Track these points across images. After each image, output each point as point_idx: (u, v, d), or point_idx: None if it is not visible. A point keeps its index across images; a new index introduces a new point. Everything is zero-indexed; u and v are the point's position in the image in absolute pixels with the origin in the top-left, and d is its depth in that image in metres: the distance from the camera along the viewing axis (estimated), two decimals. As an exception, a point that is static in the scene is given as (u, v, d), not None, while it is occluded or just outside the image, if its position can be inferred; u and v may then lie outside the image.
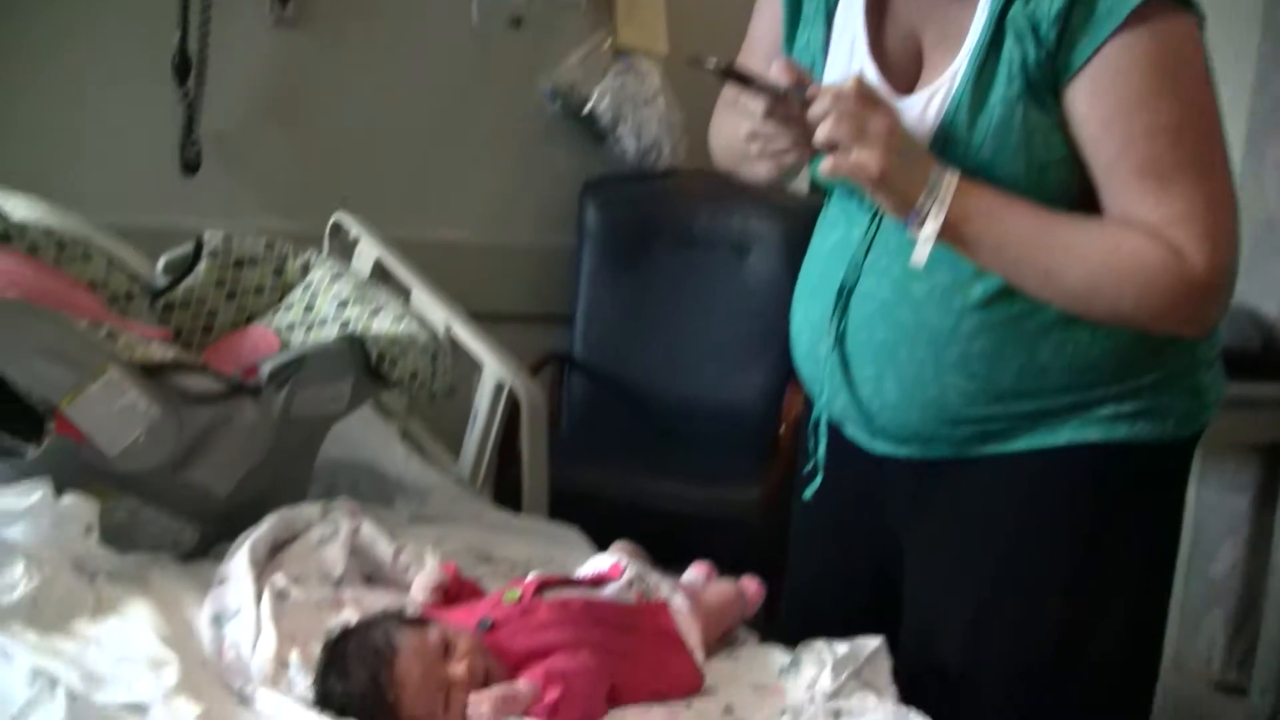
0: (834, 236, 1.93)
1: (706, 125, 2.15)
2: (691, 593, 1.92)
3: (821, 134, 1.65)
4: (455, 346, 2.81)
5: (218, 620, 1.79)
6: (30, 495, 1.81)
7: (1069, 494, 1.86)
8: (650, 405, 4.16)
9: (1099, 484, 1.85)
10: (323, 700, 1.63)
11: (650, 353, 4.17)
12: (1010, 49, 1.68)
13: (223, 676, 1.69)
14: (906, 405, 1.85)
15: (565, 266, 4.26)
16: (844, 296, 1.87)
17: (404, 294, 2.80)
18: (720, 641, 1.95)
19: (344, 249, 3.27)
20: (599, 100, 4.16)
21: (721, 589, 2.01)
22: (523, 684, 1.62)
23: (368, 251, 3.17)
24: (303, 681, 1.68)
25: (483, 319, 2.90)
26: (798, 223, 4.05)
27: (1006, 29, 1.68)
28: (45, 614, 1.70)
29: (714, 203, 4.17)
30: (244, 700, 1.64)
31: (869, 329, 1.85)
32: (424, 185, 4.10)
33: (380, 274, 3.05)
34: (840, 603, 2.11)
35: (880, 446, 1.94)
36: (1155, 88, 1.65)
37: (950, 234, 1.68)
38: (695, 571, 2.03)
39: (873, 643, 1.90)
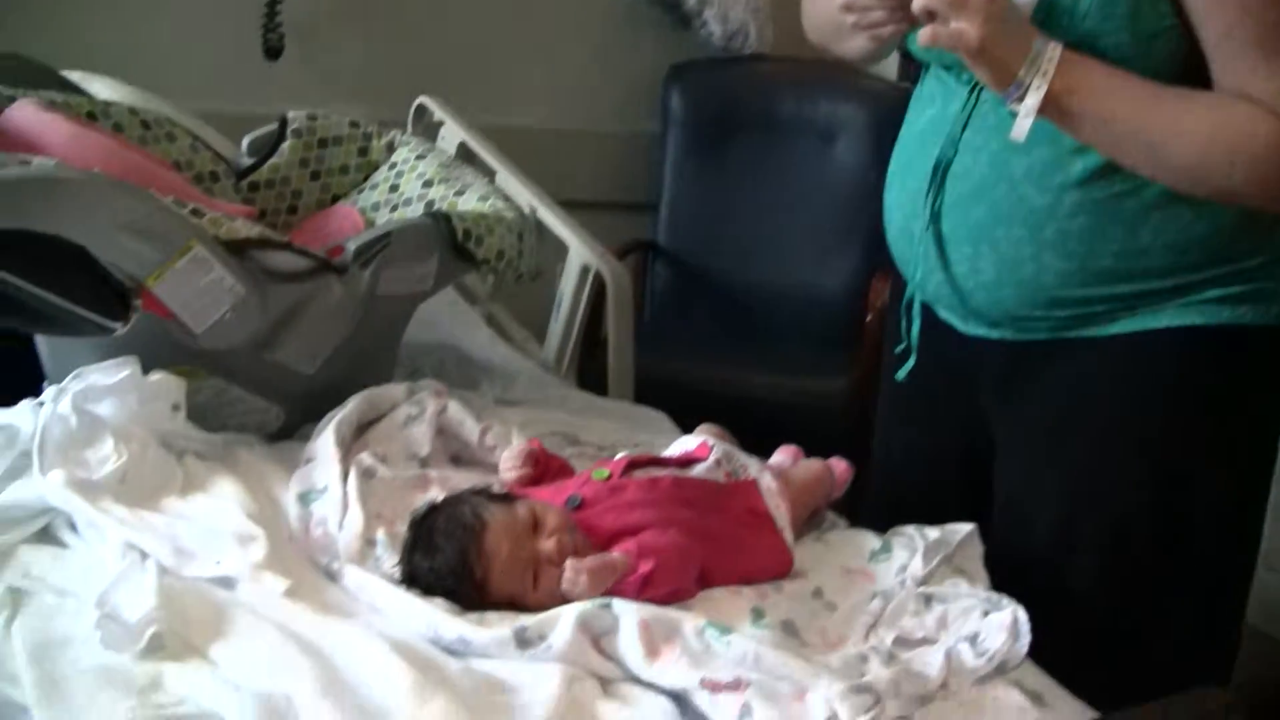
0: (930, 112, 1.88)
1: (793, 10, 2.09)
2: (779, 471, 1.89)
3: (919, 1, 1.59)
4: (540, 230, 2.78)
5: (304, 498, 1.79)
6: (118, 372, 1.81)
7: (1168, 379, 1.80)
8: (735, 294, 4.13)
9: (1199, 369, 1.79)
10: (410, 577, 1.62)
11: (735, 241, 4.13)
12: None
13: (309, 553, 1.69)
14: (1002, 285, 1.80)
15: (650, 153, 4.21)
16: (939, 174, 1.81)
17: (489, 177, 2.76)
18: (808, 522, 1.93)
19: (428, 133, 3.25)
20: (685, -17, 4.09)
21: (809, 467, 1.99)
22: (617, 555, 1.60)
23: (452, 135, 3.15)
24: (389, 559, 1.68)
25: (566, 206, 2.87)
26: (884, 109, 4.01)
27: None
28: (134, 489, 1.70)
29: (800, 89, 4.11)
30: (331, 576, 1.64)
31: (965, 207, 1.79)
32: (506, 71, 4.06)
33: (465, 158, 3.03)
34: (928, 487, 2.08)
35: (974, 329, 1.90)
36: None
37: (1052, 108, 1.61)
38: (782, 454, 2.01)
39: (964, 528, 1.88)
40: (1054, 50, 1.60)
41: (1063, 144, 1.70)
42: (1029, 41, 1.60)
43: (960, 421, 2.01)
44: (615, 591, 1.57)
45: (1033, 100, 1.59)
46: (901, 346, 1.98)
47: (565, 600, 1.57)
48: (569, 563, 1.56)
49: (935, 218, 1.83)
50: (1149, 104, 1.63)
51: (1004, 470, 1.96)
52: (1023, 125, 1.61)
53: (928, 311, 1.94)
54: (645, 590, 1.57)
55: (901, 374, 1.98)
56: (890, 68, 4.24)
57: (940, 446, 2.07)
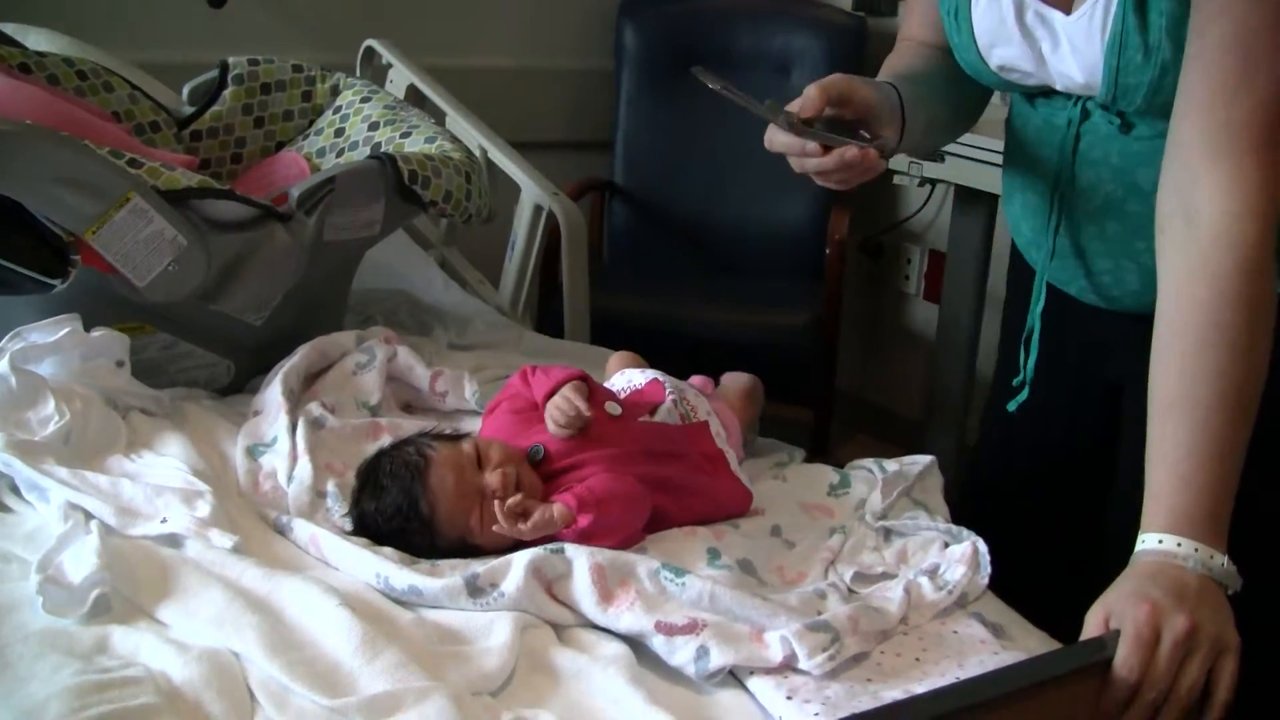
0: (1035, 121, 1.76)
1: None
2: (719, 407, 1.88)
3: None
4: (493, 172, 2.75)
5: (252, 451, 1.77)
6: (59, 330, 1.77)
7: None
8: (693, 232, 4.10)
9: None
10: (359, 523, 1.61)
11: (692, 178, 4.09)
12: None
13: (258, 508, 1.66)
14: (1149, 291, 1.56)
15: (604, 92, 4.16)
16: (1062, 187, 1.72)
17: (439, 119, 2.73)
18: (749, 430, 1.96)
19: (376, 76, 3.20)
20: (634, -85, 4.03)
21: (738, 381, 2.02)
22: (557, 507, 1.58)
23: (401, 78, 3.11)
24: (339, 509, 1.65)
25: (522, 147, 2.84)
26: (840, 39, 3.98)
27: None
28: (78, 449, 1.67)
29: (755, 21, 4.06)
30: (280, 530, 1.61)
31: (1098, 223, 1.70)
32: (456, 11, 3.99)
33: (415, 100, 2.99)
34: (1052, 460, 1.96)
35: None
36: None
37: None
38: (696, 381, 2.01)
39: (923, 460, 1.87)
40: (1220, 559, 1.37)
41: None
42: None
43: (1090, 390, 1.87)
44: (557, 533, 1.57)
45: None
46: (1019, 379, 1.86)
47: (516, 539, 1.56)
48: (496, 504, 1.55)
49: (1068, 229, 1.74)
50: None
51: (1129, 441, 1.77)
52: None
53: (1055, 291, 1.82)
54: (585, 541, 1.55)
55: (1013, 405, 1.87)
56: (845, -1, 4.21)
57: (1068, 422, 1.92)
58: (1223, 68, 1.42)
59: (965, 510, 2.01)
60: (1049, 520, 1.92)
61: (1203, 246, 1.42)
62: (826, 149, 1.55)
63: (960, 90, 1.78)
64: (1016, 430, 1.93)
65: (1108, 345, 1.80)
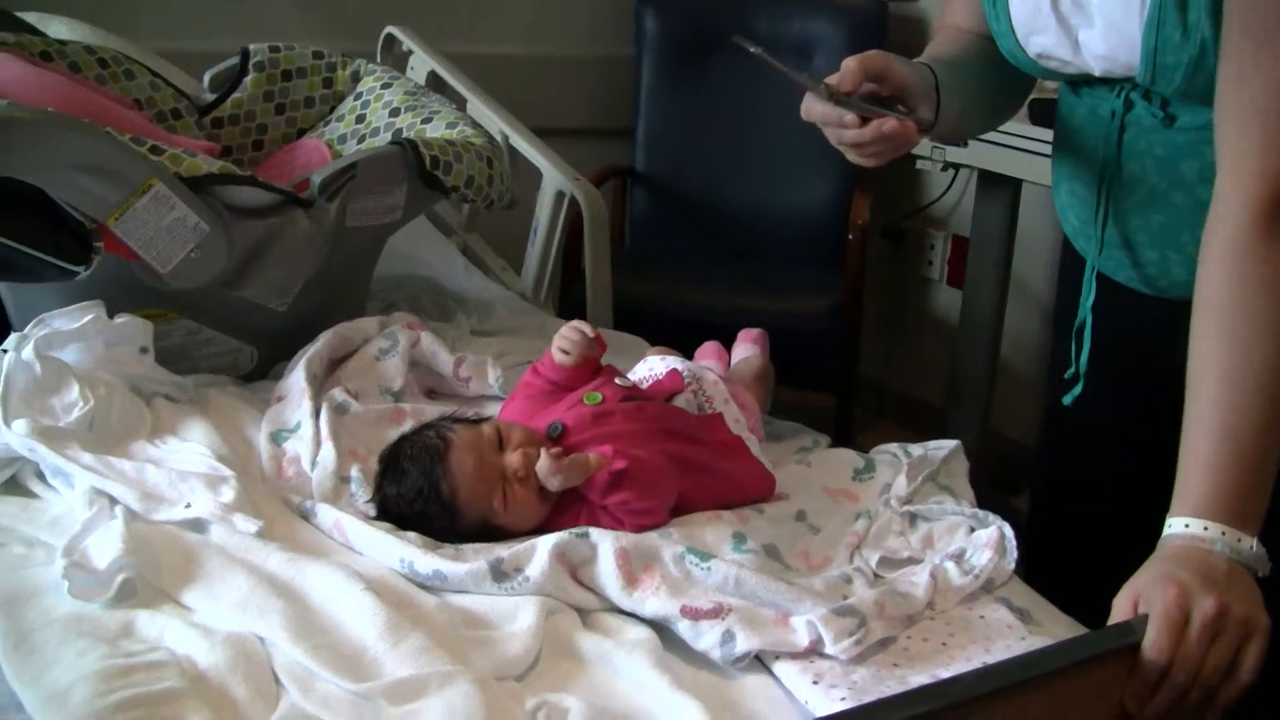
0: (1081, 111, 1.75)
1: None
2: (736, 390, 1.88)
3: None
4: (514, 159, 2.75)
5: (276, 437, 1.76)
6: (83, 317, 1.77)
7: None
8: (715, 218, 4.09)
9: None
10: (382, 508, 1.61)
11: (713, 164, 4.08)
12: None
13: (282, 493, 1.66)
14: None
15: (624, 78, 4.16)
16: (1108, 178, 1.70)
17: (459, 105, 2.72)
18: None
19: (397, 63, 3.20)
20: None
21: (750, 364, 2.04)
22: (592, 455, 1.58)
23: (421, 64, 3.10)
24: (363, 495, 1.65)
25: (542, 134, 2.83)
26: (860, 24, 3.96)
27: None
28: (102, 435, 1.67)
29: (774, 5, 4.04)
30: (304, 515, 1.61)
31: (1144, 214, 1.68)
32: (475, -2, 4.00)
33: (435, 87, 2.98)
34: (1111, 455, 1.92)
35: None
36: None
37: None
38: (711, 359, 2.00)
39: (949, 444, 1.86)
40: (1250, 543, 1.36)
41: None
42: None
43: (1150, 376, 1.86)
44: (586, 487, 1.57)
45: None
46: (1070, 372, 1.83)
47: (538, 520, 1.57)
48: (543, 453, 1.55)
49: (1116, 218, 1.72)
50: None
51: None
52: None
53: (1105, 280, 1.80)
54: (615, 491, 1.56)
55: (1068, 399, 1.84)
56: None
57: (1125, 411, 1.87)
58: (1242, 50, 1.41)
59: (1040, 511, 2.00)
60: (1117, 516, 1.90)
61: (1216, 229, 1.42)
62: (864, 121, 1.53)
63: (1000, 77, 1.77)
64: (1076, 423, 1.90)
65: (1159, 333, 1.78)
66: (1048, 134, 1.90)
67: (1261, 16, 1.39)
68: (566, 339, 1.75)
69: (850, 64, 1.55)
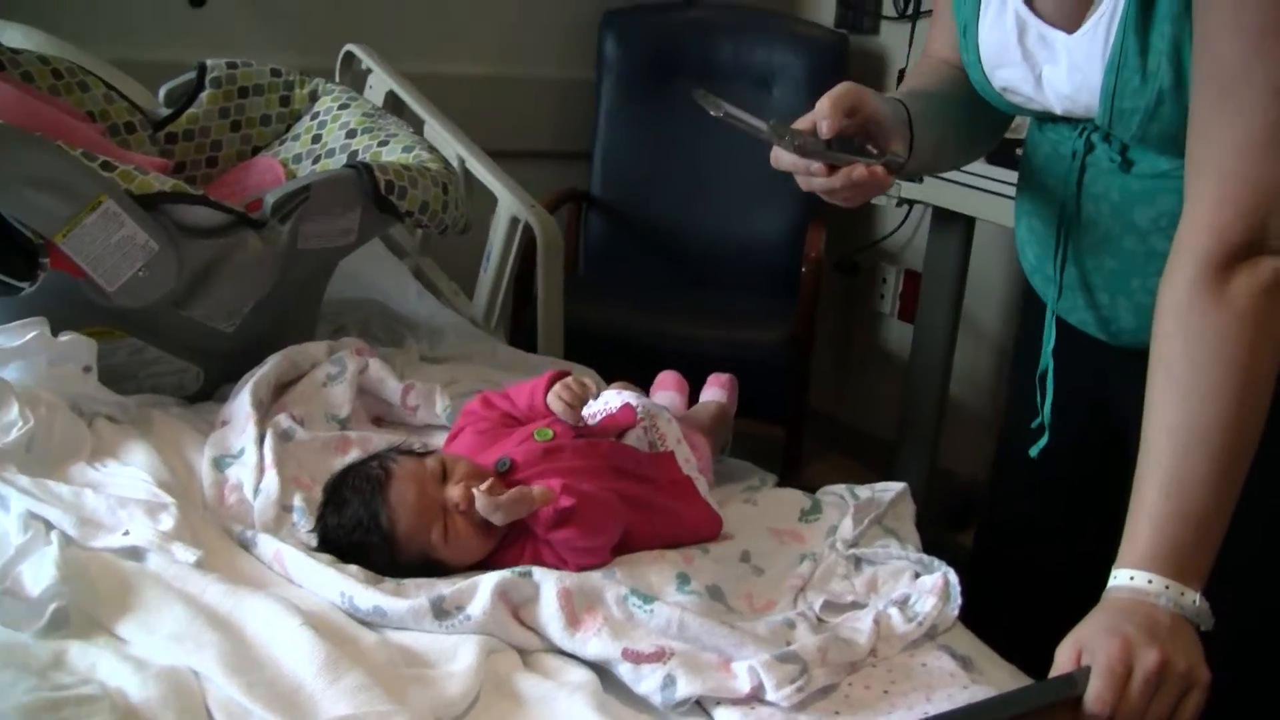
0: (1044, 149, 1.75)
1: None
2: (688, 431, 1.87)
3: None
4: (470, 182, 2.74)
5: (219, 463, 1.74)
6: (25, 334, 1.75)
7: None
8: (670, 245, 4.08)
9: None
10: (323, 538, 1.59)
11: (670, 191, 4.08)
12: None
13: (223, 522, 1.64)
14: (1143, 330, 1.55)
15: (584, 102, 4.15)
16: (1067, 218, 1.70)
17: (417, 127, 2.71)
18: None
19: (356, 82, 3.18)
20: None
21: (706, 408, 2.03)
22: (537, 488, 1.57)
23: (380, 84, 3.09)
24: (305, 524, 1.63)
25: (500, 156, 2.82)
26: (821, 55, 3.97)
27: None
28: (41, 456, 1.65)
29: (736, 34, 4.04)
30: (245, 545, 1.59)
31: (1097, 256, 1.68)
32: (438, 17, 3.97)
33: (393, 107, 2.97)
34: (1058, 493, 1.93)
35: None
36: None
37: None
38: (670, 393, 2.00)
39: (896, 487, 1.85)
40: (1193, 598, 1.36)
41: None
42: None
43: (1097, 419, 1.83)
44: (531, 520, 1.56)
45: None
46: (1036, 422, 1.83)
47: (482, 554, 1.55)
48: (477, 491, 1.54)
49: (1073, 258, 1.72)
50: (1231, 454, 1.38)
51: None
52: None
53: (1064, 326, 1.80)
54: (560, 528, 1.55)
55: (1034, 451, 1.84)
56: (828, 13, 4.20)
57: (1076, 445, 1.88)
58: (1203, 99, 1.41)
59: (984, 555, 1.99)
60: (1064, 564, 1.90)
61: (1170, 279, 1.42)
62: (833, 168, 1.53)
63: (976, 110, 1.76)
64: (1028, 468, 1.89)
65: (1112, 381, 1.78)
66: (1003, 173, 1.90)
67: (1220, 69, 1.39)
68: (573, 393, 1.74)
69: (824, 106, 1.53)
